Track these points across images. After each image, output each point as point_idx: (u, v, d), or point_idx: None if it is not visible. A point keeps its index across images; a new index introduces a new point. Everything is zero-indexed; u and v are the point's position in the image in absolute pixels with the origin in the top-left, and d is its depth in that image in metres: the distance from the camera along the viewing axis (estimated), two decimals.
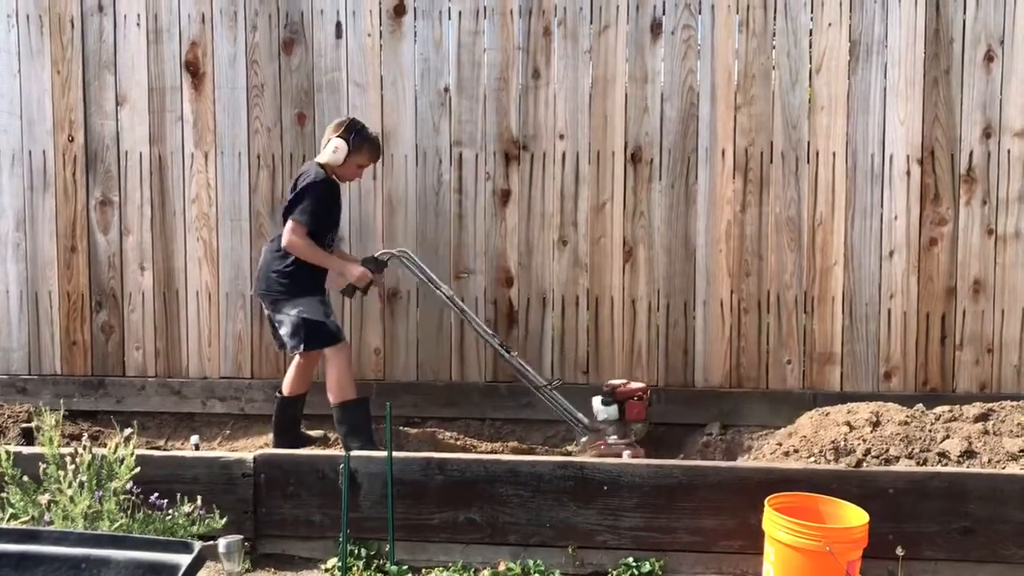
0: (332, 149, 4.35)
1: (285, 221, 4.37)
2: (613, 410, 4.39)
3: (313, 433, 4.75)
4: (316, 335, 4.37)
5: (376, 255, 4.54)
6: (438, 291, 4.55)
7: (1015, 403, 4.04)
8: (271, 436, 4.81)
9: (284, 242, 4.34)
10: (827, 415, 4.14)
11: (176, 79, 5.00)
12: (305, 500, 3.63)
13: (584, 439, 4.44)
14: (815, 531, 3.06)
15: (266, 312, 4.59)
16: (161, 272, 5.08)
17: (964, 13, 4.63)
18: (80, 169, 5.08)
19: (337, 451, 4.45)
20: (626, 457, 4.13)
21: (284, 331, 4.42)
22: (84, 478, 3.07)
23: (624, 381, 4.50)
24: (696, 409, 4.81)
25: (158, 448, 4.78)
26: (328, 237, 4.48)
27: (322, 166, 4.42)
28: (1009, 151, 4.65)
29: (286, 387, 4.61)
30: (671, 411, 4.82)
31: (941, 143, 4.68)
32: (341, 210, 4.59)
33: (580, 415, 4.45)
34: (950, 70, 4.66)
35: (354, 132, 4.39)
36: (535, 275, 4.92)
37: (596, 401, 4.44)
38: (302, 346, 4.38)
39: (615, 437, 4.38)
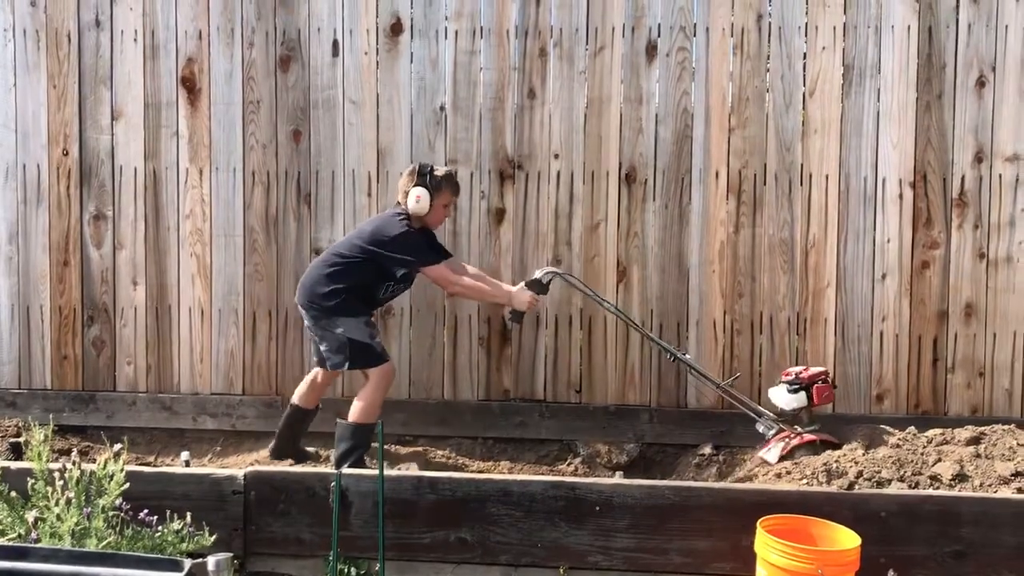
0: (415, 199, 4.29)
1: (402, 270, 4.31)
2: (801, 397, 4.16)
3: (309, 449, 4.73)
4: (363, 355, 4.29)
5: (538, 277, 4.43)
6: (603, 304, 4.52)
7: (1007, 427, 4.04)
8: (260, 453, 4.79)
9: (448, 286, 4.37)
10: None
11: (172, 95, 5.01)
12: (295, 518, 3.61)
13: (772, 432, 4.24)
14: (807, 554, 3.05)
15: (305, 323, 4.56)
16: (154, 287, 5.07)
17: (956, 39, 4.68)
18: (74, 183, 5.08)
19: (328, 469, 4.43)
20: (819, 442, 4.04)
21: (325, 347, 4.35)
22: (72, 494, 3.05)
23: (804, 367, 4.29)
24: (689, 429, 4.81)
25: (148, 464, 4.75)
26: (389, 286, 4.42)
27: (407, 216, 4.34)
28: (1000, 176, 4.68)
29: (300, 398, 4.60)
30: (664, 431, 4.82)
31: (933, 167, 4.71)
32: (436, 243, 4.56)
33: (762, 408, 4.30)
34: (942, 95, 4.69)
35: (428, 175, 4.34)
36: None
37: (778, 392, 4.22)
38: (347, 364, 4.30)
39: (810, 427, 4.17)
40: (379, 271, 4.34)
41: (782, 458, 4.04)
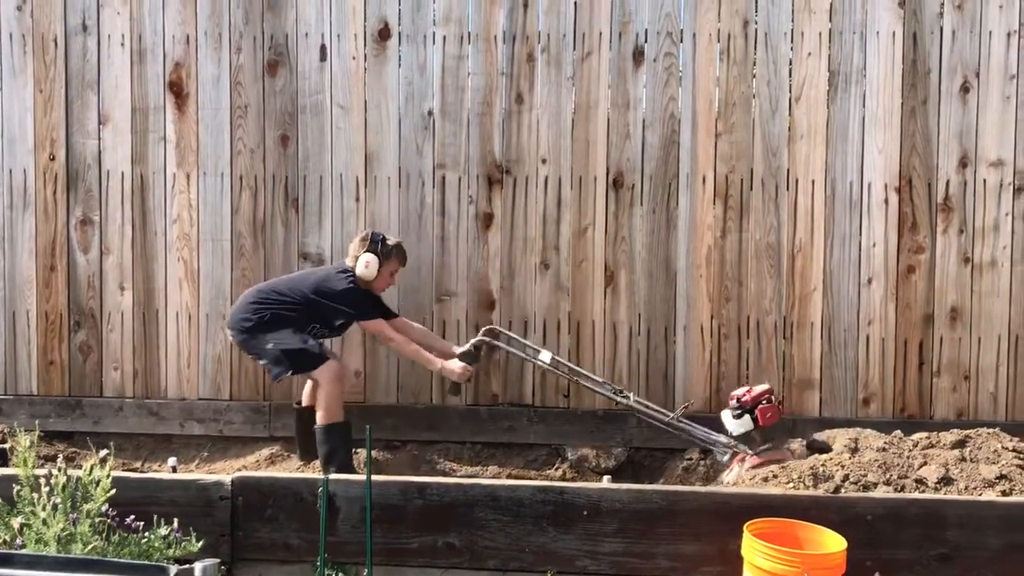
0: (364, 265, 4.44)
1: (338, 316, 4.46)
2: (747, 420, 4.15)
3: None
4: (302, 360, 4.40)
5: (469, 346, 4.51)
6: (536, 361, 4.49)
7: (991, 430, 4.07)
8: (248, 458, 4.79)
9: (386, 342, 4.56)
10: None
11: (159, 99, 5.00)
12: (283, 523, 3.60)
13: (726, 458, 4.25)
14: (793, 557, 3.06)
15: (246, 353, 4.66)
16: (141, 292, 5.06)
17: (941, 45, 4.71)
18: (61, 188, 5.06)
19: (315, 475, 4.42)
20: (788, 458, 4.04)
21: (264, 362, 4.48)
22: (58, 500, 3.04)
23: (747, 389, 4.27)
24: (676, 434, 4.80)
25: (135, 470, 4.73)
26: (315, 328, 4.51)
27: (353, 276, 4.48)
28: (985, 180, 4.72)
29: (306, 397, 4.68)
30: (652, 436, 4.81)
31: (918, 172, 4.75)
32: (380, 304, 4.65)
33: (716, 435, 4.28)
34: (927, 100, 4.73)
35: (379, 243, 4.48)
36: (517, 299, 4.93)
37: (726, 416, 4.21)
38: (291, 371, 4.42)
39: (762, 448, 4.16)
40: (309, 315, 4.46)
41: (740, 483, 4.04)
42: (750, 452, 4.15)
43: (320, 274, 4.57)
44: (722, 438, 4.26)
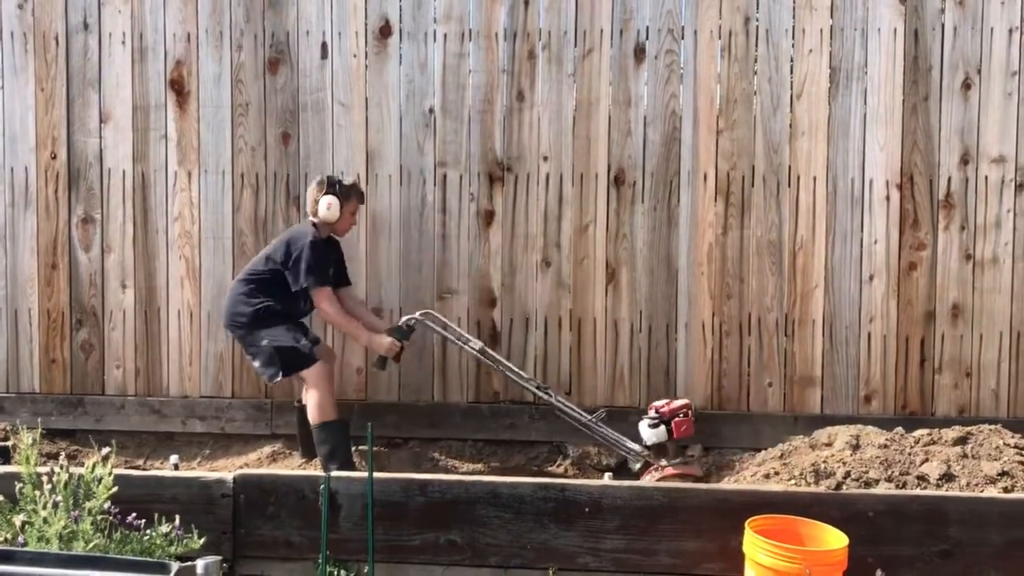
0: (326, 207, 4.44)
1: (293, 283, 4.42)
2: (661, 431, 4.27)
3: None
4: (293, 360, 4.42)
5: (401, 323, 4.53)
6: (466, 347, 4.54)
7: (993, 427, 4.07)
8: (250, 456, 4.79)
9: (322, 313, 4.50)
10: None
11: (161, 97, 5.00)
12: (285, 521, 3.61)
13: (638, 466, 4.35)
14: (795, 554, 3.06)
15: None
16: (143, 290, 5.06)
17: (942, 41, 4.70)
18: (62, 186, 5.06)
19: (317, 472, 4.42)
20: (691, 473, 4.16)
21: (257, 364, 4.49)
22: (60, 498, 3.04)
23: (666, 401, 4.39)
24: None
25: (137, 468, 4.74)
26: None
27: (316, 226, 4.50)
28: (986, 177, 4.71)
29: (304, 397, 4.66)
30: None
31: (920, 169, 4.74)
32: (341, 264, 4.66)
33: (630, 443, 4.36)
34: (929, 97, 4.72)
35: (336, 183, 4.49)
36: (518, 296, 4.93)
37: (643, 426, 4.33)
38: (280, 374, 4.44)
39: (675, 460, 4.28)
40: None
41: None
42: (662, 463, 4.24)
43: (288, 234, 4.58)
44: (636, 446, 4.35)
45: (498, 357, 4.61)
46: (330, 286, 4.50)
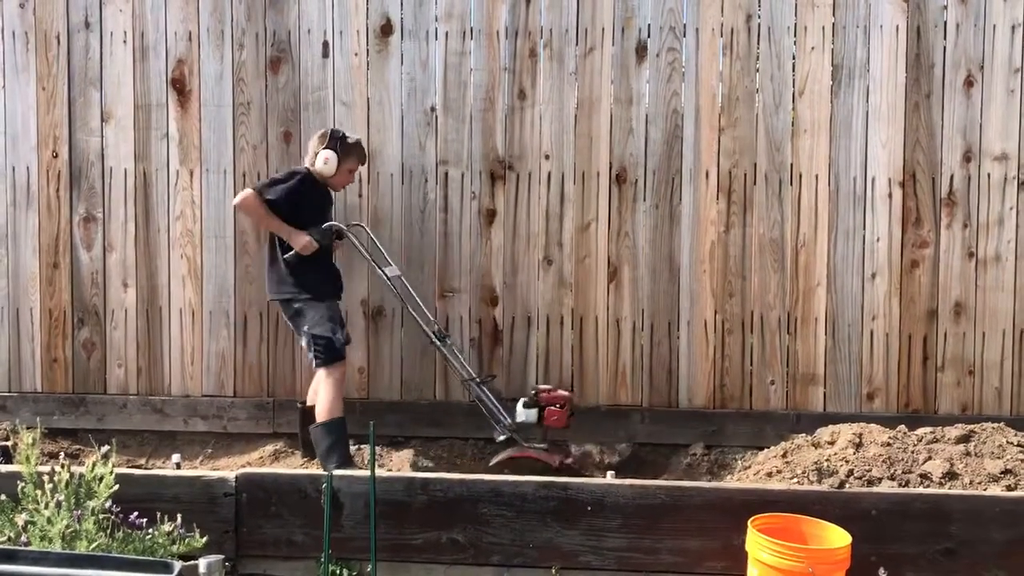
0: (323, 161, 4.44)
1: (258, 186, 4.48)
2: (532, 414, 4.36)
3: None
4: (326, 351, 4.41)
5: (326, 226, 4.50)
6: (381, 270, 4.56)
7: (996, 425, 4.07)
8: (252, 455, 4.79)
9: (236, 200, 4.46)
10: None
11: (162, 96, 5.00)
12: (287, 520, 3.61)
13: (501, 438, 4.39)
14: (798, 552, 3.06)
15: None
16: (144, 289, 5.06)
17: (944, 39, 4.69)
18: (64, 185, 5.06)
19: (319, 471, 4.42)
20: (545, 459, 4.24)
21: (305, 343, 4.48)
22: (62, 497, 3.04)
23: (550, 388, 4.47)
24: (680, 429, 4.82)
25: (139, 467, 4.73)
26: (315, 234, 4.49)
27: (309, 171, 4.51)
28: (989, 175, 4.70)
29: (310, 398, 4.66)
30: (655, 431, 4.83)
31: (922, 166, 4.73)
32: (327, 214, 4.63)
33: (501, 415, 4.41)
34: (931, 95, 4.71)
35: (338, 140, 4.48)
36: (520, 294, 4.93)
37: (519, 403, 4.41)
38: (314, 363, 4.44)
39: (539, 446, 4.33)
40: (292, 212, 4.43)
41: (495, 467, 4.25)
42: (522, 444, 4.31)
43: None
44: (506, 420, 4.39)
45: (409, 291, 4.63)
46: (268, 201, 4.40)
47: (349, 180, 4.66)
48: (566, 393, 4.47)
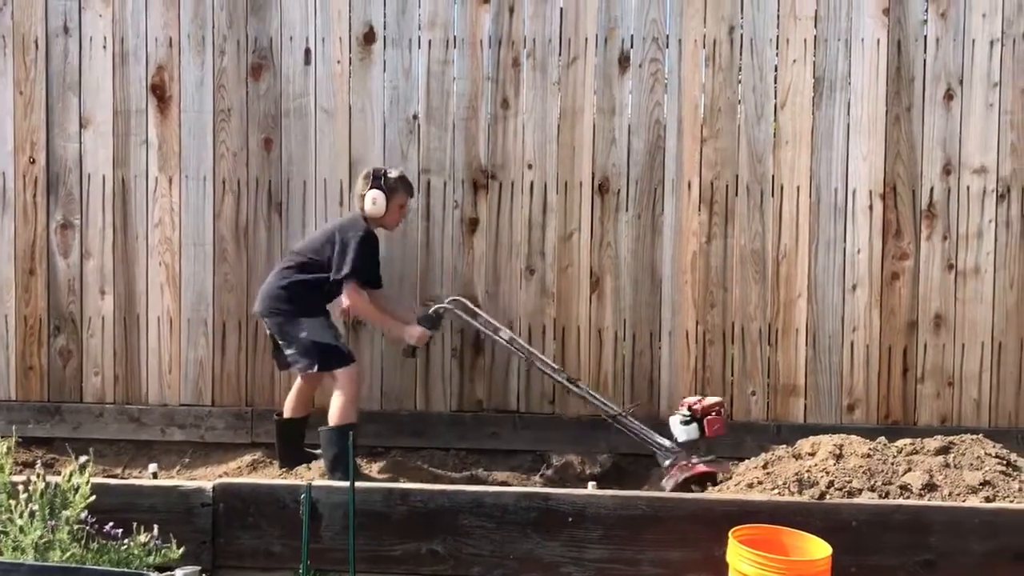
0: (371, 202, 4.41)
1: (334, 272, 4.38)
2: (694, 429, 4.20)
3: (316, 451, 4.68)
4: (330, 357, 4.38)
5: (431, 311, 4.49)
6: (496, 336, 4.51)
7: (975, 436, 4.07)
8: (230, 465, 4.75)
9: (346, 303, 4.45)
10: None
11: (142, 102, 4.96)
12: (265, 530, 3.57)
13: (667, 462, 4.25)
14: (779, 563, 3.05)
15: (268, 332, 4.60)
16: (122, 297, 5.01)
17: (925, 52, 4.73)
18: (41, 191, 5.01)
19: (299, 481, 4.38)
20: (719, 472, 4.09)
21: (291, 351, 4.42)
22: (36, 507, 2.99)
23: (699, 398, 4.31)
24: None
25: (115, 476, 4.68)
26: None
27: (366, 220, 4.47)
28: (968, 187, 4.74)
29: (287, 409, 4.62)
30: (636, 441, 4.78)
31: (903, 179, 4.76)
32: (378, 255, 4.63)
33: (660, 439, 4.29)
34: (911, 107, 4.74)
35: (383, 177, 4.44)
36: (502, 304, 4.91)
37: (674, 422, 4.24)
38: (316, 366, 4.38)
39: (706, 458, 4.21)
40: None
41: (676, 489, 4.07)
42: (692, 460, 4.17)
43: (338, 222, 4.55)
44: (666, 442, 4.28)
45: (528, 347, 4.60)
46: (365, 283, 4.45)
47: (402, 216, 4.61)
48: (717, 399, 4.32)
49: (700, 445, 4.24)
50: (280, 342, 4.49)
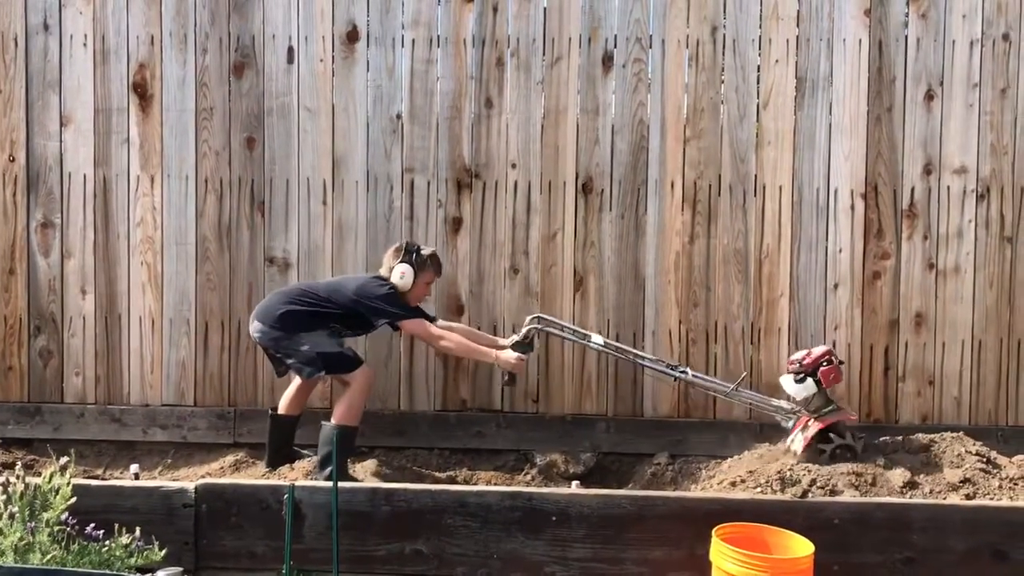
0: (399, 275, 4.38)
1: (384, 320, 4.40)
2: (810, 384, 4.07)
3: (305, 451, 4.66)
4: (338, 363, 4.36)
5: (522, 337, 4.41)
6: (589, 344, 4.43)
7: (955, 434, 4.13)
8: (212, 465, 4.73)
9: (437, 345, 4.44)
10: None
11: (123, 101, 4.93)
12: (248, 531, 3.56)
13: (790, 423, 4.18)
14: (761, 562, 3.07)
15: (265, 348, 4.55)
16: (103, 296, 4.97)
17: (905, 53, 4.76)
18: (21, 190, 4.96)
19: (282, 481, 4.37)
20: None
21: (293, 361, 4.37)
22: (16, 509, 2.97)
23: (807, 351, 4.17)
24: (645, 439, 4.82)
25: (96, 477, 4.65)
26: (380, 325, 4.49)
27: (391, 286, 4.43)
28: (949, 187, 4.77)
29: (283, 407, 4.59)
30: (620, 440, 4.83)
31: (884, 179, 4.79)
32: None
33: (778, 402, 4.24)
34: (892, 108, 4.78)
35: (415, 253, 4.42)
36: (486, 303, 4.91)
37: (787, 381, 4.15)
38: (323, 371, 4.36)
39: (826, 409, 4.08)
40: (348, 318, 4.40)
41: (807, 447, 4.01)
42: (813, 416, 4.08)
43: (359, 280, 4.47)
44: (784, 404, 4.23)
45: (624, 347, 4.55)
46: (420, 319, 4.44)
47: (426, 293, 4.57)
48: (825, 347, 4.20)
49: (817, 400, 4.11)
50: (278, 355, 4.45)
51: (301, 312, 4.35)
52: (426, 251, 4.47)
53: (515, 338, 4.44)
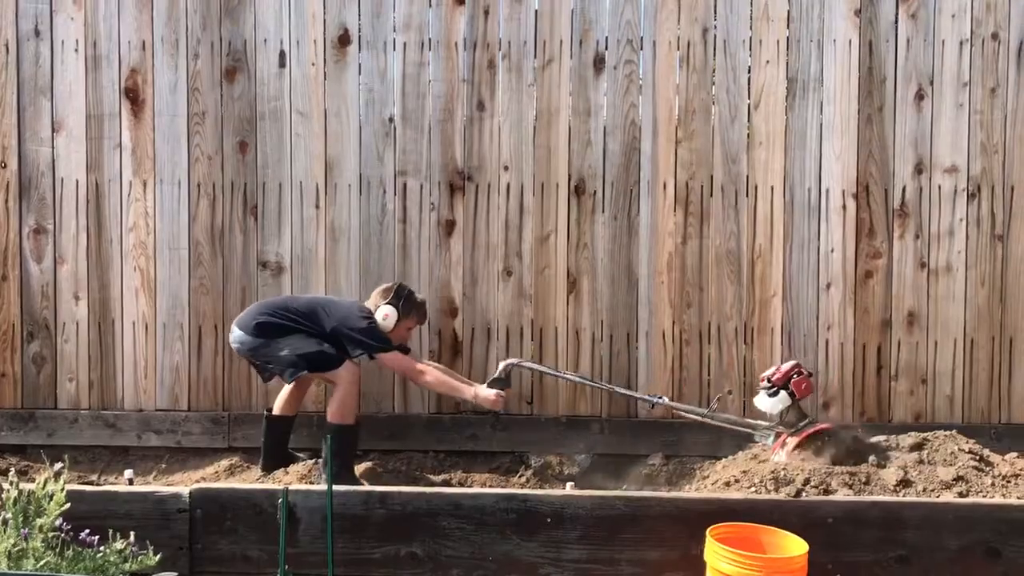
0: (383, 316, 4.40)
1: (360, 352, 4.43)
2: (784, 397, 4.15)
3: (300, 454, 4.66)
4: (320, 361, 4.37)
5: (498, 374, 4.47)
6: (565, 377, 4.62)
7: (948, 433, 4.14)
8: (207, 470, 4.72)
9: (414, 377, 4.51)
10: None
11: (115, 106, 4.93)
12: (243, 535, 3.55)
13: (770, 440, 4.23)
14: (756, 561, 3.07)
15: (245, 357, 4.58)
16: (96, 302, 4.96)
17: (896, 53, 4.78)
18: (13, 196, 4.96)
19: (276, 485, 4.36)
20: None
21: (275, 366, 4.40)
22: (9, 515, 2.96)
23: (774, 368, 4.28)
24: (639, 439, 4.83)
25: (90, 483, 4.63)
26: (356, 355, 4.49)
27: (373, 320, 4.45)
28: (940, 187, 4.79)
29: (277, 407, 4.60)
30: (614, 441, 4.84)
31: (875, 178, 4.81)
32: None
33: (754, 421, 4.30)
34: (883, 108, 4.79)
35: (403, 298, 4.44)
36: (480, 306, 4.91)
37: (761, 399, 4.23)
38: (306, 370, 4.36)
39: (802, 423, 4.15)
40: (327, 341, 4.41)
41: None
42: (790, 432, 4.13)
43: (343, 311, 4.47)
44: (763, 423, 4.27)
45: (599, 382, 4.69)
46: (399, 353, 4.47)
47: (406, 337, 4.58)
48: (792, 362, 4.30)
49: (792, 414, 4.18)
50: (258, 363, 4.50)
51: (277, 324, 4.38)
52: (417, 298, 4.52)
53: (493, 376, 4.49)
